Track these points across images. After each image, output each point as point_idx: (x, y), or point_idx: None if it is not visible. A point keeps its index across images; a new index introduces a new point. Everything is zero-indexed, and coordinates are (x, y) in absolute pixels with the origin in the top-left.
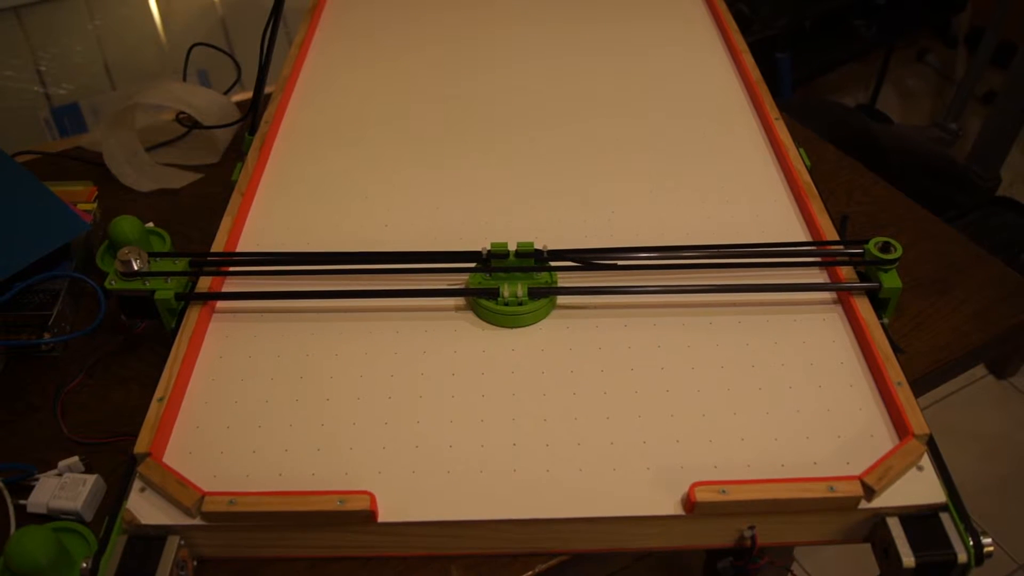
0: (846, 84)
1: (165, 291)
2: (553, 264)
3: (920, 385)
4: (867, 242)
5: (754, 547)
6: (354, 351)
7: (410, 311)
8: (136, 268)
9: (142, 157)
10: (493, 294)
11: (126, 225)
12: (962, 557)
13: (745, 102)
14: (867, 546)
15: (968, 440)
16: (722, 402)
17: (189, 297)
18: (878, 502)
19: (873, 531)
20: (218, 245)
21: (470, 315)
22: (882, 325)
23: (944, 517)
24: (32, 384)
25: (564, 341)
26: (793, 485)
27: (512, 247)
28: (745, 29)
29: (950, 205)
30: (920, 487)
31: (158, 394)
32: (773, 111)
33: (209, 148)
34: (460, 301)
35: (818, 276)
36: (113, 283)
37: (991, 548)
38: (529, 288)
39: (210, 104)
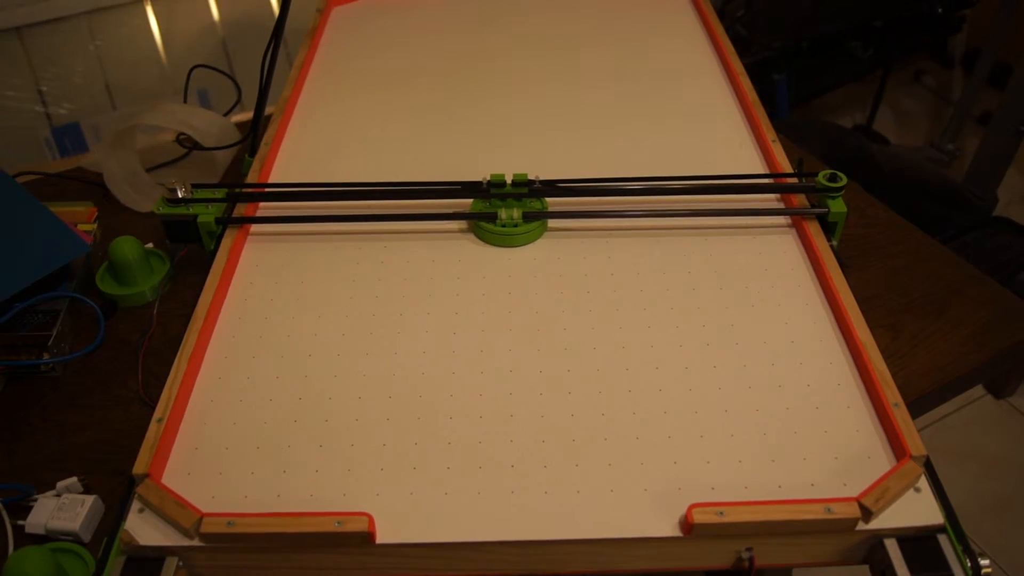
0: (843, 105)
1: (206, 215)
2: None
3: (918, 406)
4: (817, 175)
5: (752, 569)
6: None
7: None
8: (181, 195)
9: (142, 178)
10: (492, 217)
11: (126, 246)
12: None
13: (742, 123)
14: (865, 567)
15: (966, 460)
16: (719, 423)
17: (227, 221)
18: (876, 524)
19: (871, 553)
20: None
21: (471, 236)
22: (831, 246)
23: (942, 539)
24: (31, 404)
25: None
26: (790, 507)
27: (509, 179)
28: (742, 50)
29: (947, 225)
30: (918, 508)
31: (157, 415)
32: (770, 132)
33: (209, 169)
34: (464, 224)
35: (777, 205)
36: (161, 209)
37: (989, 570)
38: (523, 212)
39: (210, 125)
